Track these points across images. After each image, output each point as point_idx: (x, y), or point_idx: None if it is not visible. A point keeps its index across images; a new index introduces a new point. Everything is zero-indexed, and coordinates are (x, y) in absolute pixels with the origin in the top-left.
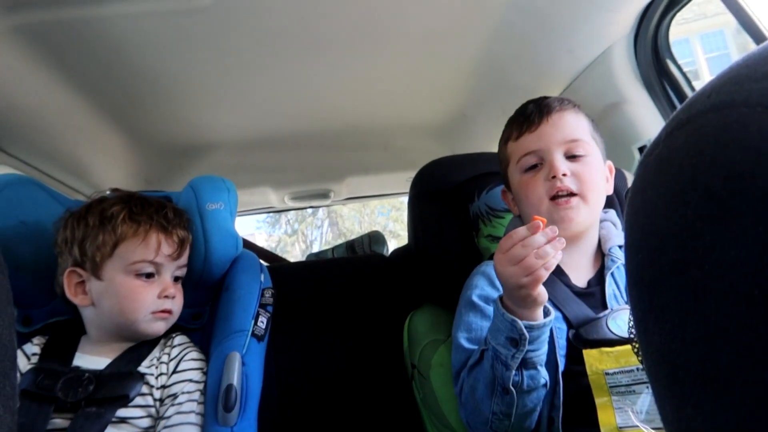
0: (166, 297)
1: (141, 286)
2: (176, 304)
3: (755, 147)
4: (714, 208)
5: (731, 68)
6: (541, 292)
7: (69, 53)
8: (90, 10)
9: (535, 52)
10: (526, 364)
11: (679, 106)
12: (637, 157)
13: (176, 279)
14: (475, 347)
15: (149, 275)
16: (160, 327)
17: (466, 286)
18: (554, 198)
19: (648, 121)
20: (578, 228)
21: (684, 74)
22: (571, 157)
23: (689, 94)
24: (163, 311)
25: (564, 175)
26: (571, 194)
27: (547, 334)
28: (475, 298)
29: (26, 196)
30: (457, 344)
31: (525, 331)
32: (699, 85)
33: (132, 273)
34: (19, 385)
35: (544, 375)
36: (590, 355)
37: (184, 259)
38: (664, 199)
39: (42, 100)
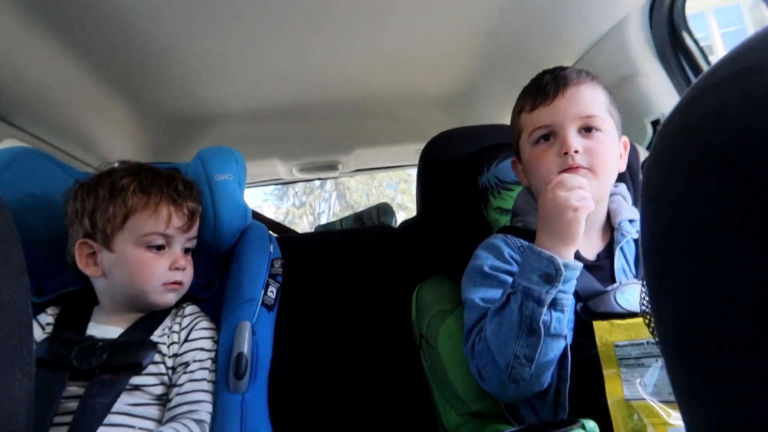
0: (177, 269)
1: (152, 258)
2: (187, 276)
3: None
4: (731, 175)
5: (753, 37)
6: (583, 224)
7: (74, 24)
8: None
9: (547, 21)
10: (555, 304)
11: (693, 80)
12: (650, 131)
13: (186, 251)
14: (490, 306)
15: (160, 247)
16: (170, 298)
17: (474, 257)
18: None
19: (662, 95)
20: None
21: (700, 47)
22: (586, 130)
23: (705, 67)
24: (174, 283)
25: (576, 152)
26: (582, 168)
27: (575, 279)
28: (486, 269)
29: (34, 168)
30: (472, 303)
31: (562, 266)
32: (713, 60)
33: (143, 245)
34: (34, 353)
35: (566, 326)
36: (600, 327)
37: (194, 231)
38: (684, 166)
39: (48, 73)
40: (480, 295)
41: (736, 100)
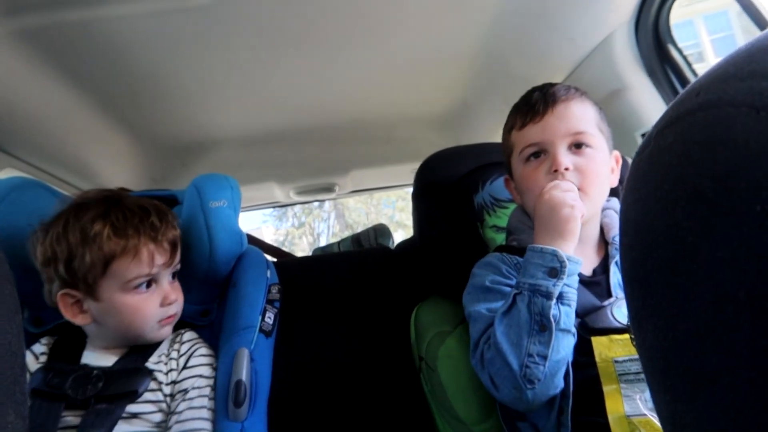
0: (169, 304)
1: (142, 300)
2: (178, 306)
3: (740, 147)
4: (701, 208)
5: (719, 65)
6: (579, 222)
7: (71, 55)
8: (89, 12)
9: (535, 40)
10: (562, 298)
11: (681, 92)
12: (640, 143)
13: (173, 276)
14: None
15: (148, 284)
16: (166, 332)
17: (473, 275)
18: None
19: (651, 108)
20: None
21: (686, 59)
22: (576, 146)
23: (691, 79)
24: (168, 317)
25: (566, 169)
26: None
27: (577, 278)
28: (488, 283)
29: (33, 198)
30: (477, 314)
31: (566, 258)
32: (702, 68)
33: (130, 289)
34: (29, 384)
35: (574, 323)
36: (600, 343)
37: (178, 258)
38: (655, 198)
39: (46, 103)
40: (485, 306)
41: (699, 135)
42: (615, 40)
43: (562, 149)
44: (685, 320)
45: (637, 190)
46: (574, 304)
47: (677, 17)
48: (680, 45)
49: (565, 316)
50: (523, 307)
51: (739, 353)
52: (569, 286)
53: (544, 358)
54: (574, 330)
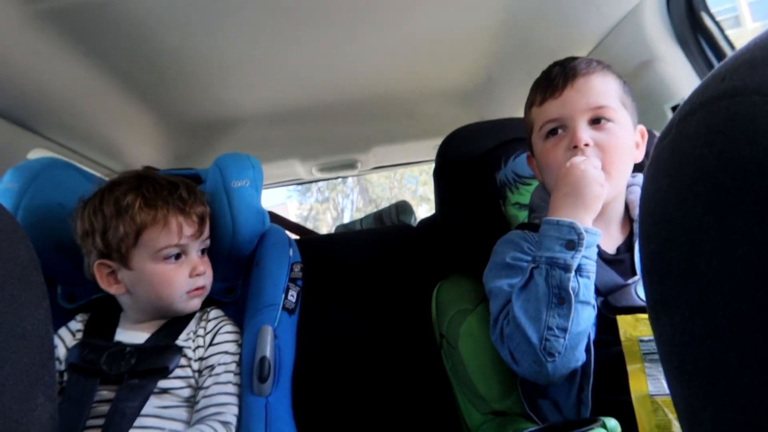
0: (197, 275)
1: (172, 270)
2: (207, 279)
3: (765, 141)
4: (722, 203)
5: (747, 48)
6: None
7: (96, 36)
8: None
9: (561, 10)
10: (581, 270)
11: (716, 64)
12: (670, 116)
13: (203, 251)
14: None
15: (177, 256)
16: (195, 303)
17: (494, 252)
18: None
19: (681, 79)
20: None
21: (721, 28)
22: (597, 121)
23: (726, 49)
24: (197, 289)
25: (586, 145)
26: None
27: (596, 249)
28: (509, 260)
29: (62, 178)
30: (498, 290)
31: (583, 231)
32: (739, 34)
33: (160, 259)
34: (66, 359)
35: (593, 296)
36: (625, 321)
37: (206, 233)
38: (675, 189)
39: (72, 83)
40: (506, 282)
41: (723, 124)
42: (645, 8)
43: (582, 124)
44: (702, 317)
45: (657, 179)
46: (593, 276)
47: None
48: (715, 10)
49: (584, 288)
50: (540, 281)
51: (757, 353)
52: (588, 258)
53: (564, 330)
54: (593, 302)
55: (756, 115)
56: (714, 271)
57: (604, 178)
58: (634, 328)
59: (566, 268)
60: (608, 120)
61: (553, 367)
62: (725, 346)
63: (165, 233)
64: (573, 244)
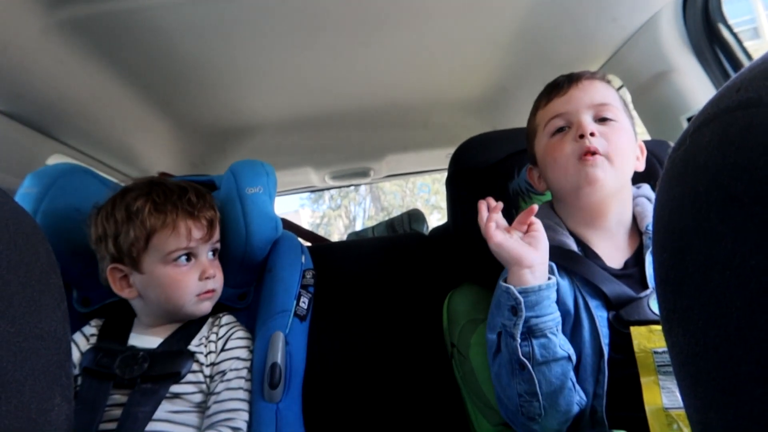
0: (207, 278)
1: (181, 273)
2: (217, 282)
3: None
4: (736, 214)
5: (763, 59)
6: (511, 250)
7: (114, 44)
8: (130, 2)
9: (576, 21)
10: (533, 332)
11: (732, 75)
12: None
13: (214, 252)
14: None
15: (187, 259)
16: (206, 306)
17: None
18: (582, 158)
19: (698, 91)
20: (603, 192)
21: (738, 39)
22: (601, 120)
23: (743, 60)
24: (207, 292)
25: (592, 134)
26: (598, 154)
27: (549, 299)
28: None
29: (79, 183)
30: (490, 342)
31: (518, 295)
32: (758, 45)
33: (170, 262)
34: (80, 363)
35: (562, 346)
36: (639, 333)
37: (216, 236)
38: (689, 199)
39: (91, 91)
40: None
41: (738, 135)
42: (661, 19)
43: (587, 117)
44: (716, 327)
45: (671, 189)
46: (553, 331)
47: None
48: (733, 21)
49: (541, 348)
50: (503, 348)
51: None
52: (538, 317)
53: (534, 394)
54: (564, 354)
55: None
56: (728, 281)
57: (496, 222)
58: (648, 340)
59: (512, 336)
60: (612, 119)
61: (540, 427)
62: (739, 357)
63: (174, 237)
64: (515, 309)
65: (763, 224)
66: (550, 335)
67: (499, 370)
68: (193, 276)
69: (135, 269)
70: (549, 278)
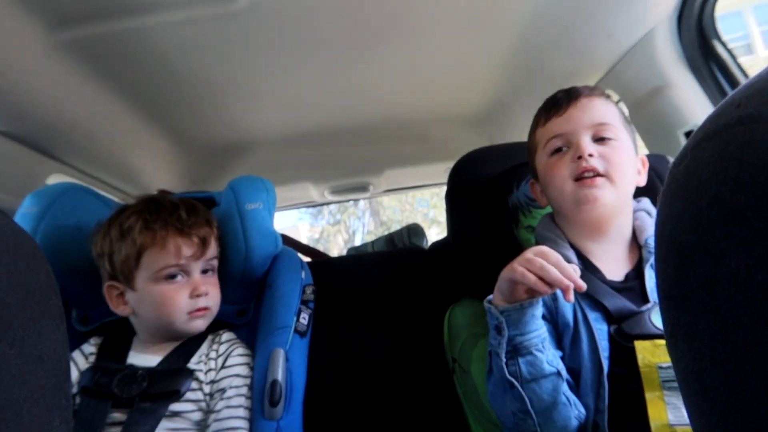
0: (198, 296)
1: (171, 290)
2: (211, 300)
3: None
4: (739, 229)
5: (762, 76)
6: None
7: (114, 64)
8: (131, 22)
9: (573, 37)
10: (519, 350)
11: (728, 90)
12: (683, 142)
13: (209, 271)
14: None
15: (180, 276)
16: (199, 324)
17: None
18: (579, 180)
19: (694, 105)
20: (604, 210)
21: (732, 55)
22: (600, 140)
23: (738, 76)
24: (198, 310)
25: (590, 155)
26: (598, 175)
27: (533, 316)
28: None
29: (79, 203)
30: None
31: (500, 315)
32: (751, 61)
33: (160, 279)
34: (79, 382)
35: (550, 362)
36: (643, 347)
37: (210, 253)
38: (691, 214)
39: (91, 110)
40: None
41: (739, 150)
42: (656, 35)
43: (586, 138)
44: (723, 343)
45: (673, 205)
46: (539, 347)
47: (724, 8)
48: (728, 37)
49: (528, 366)
50: (494, 367)
51: None
52: (521, 334)
53: (526, 412)
54: (553, 369)
55: None
56: (733, 297)
57: (539, 265)
58: (653, 354)
59: (497, 355)
60: (612, 138)
61: None
62: (746, 374)
63: (163, 254)
64: (498, 328)
65: (767, 240)
66: (536, 352)
67: (493, 389)
68: (183, 293)
69: (129, 286)
70: None
